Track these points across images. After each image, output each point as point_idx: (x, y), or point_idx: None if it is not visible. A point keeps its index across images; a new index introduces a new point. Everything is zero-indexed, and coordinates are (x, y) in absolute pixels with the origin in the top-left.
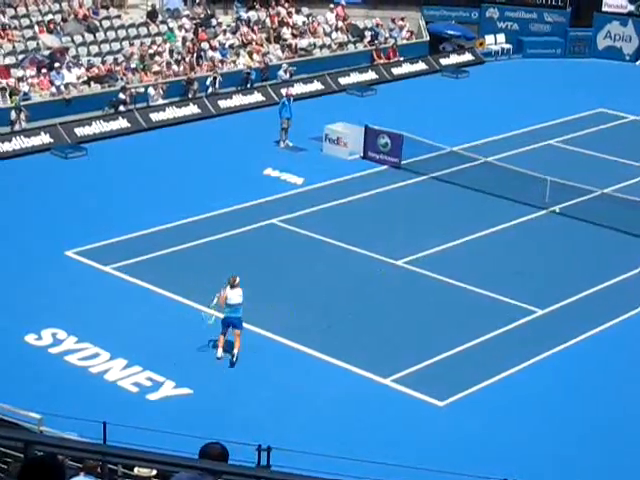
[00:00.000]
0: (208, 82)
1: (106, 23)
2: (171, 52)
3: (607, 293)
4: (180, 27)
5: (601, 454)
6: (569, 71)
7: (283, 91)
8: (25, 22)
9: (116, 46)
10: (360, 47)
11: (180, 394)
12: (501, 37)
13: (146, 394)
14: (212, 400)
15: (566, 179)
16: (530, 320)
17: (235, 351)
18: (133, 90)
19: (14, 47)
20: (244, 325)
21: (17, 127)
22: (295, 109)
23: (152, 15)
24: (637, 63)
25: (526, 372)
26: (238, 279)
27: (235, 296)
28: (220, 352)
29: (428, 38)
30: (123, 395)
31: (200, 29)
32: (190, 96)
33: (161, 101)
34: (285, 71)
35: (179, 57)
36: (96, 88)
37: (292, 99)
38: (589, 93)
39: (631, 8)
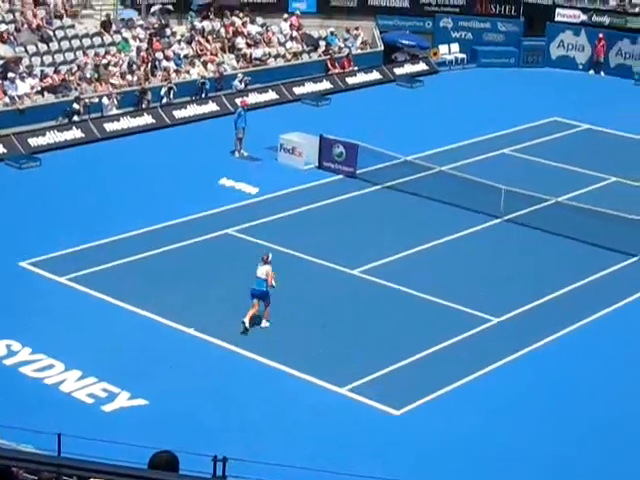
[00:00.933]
0: (162, 92)
1: (60, 33)
2: (129, 65)
3: (562, 301)
4: (134, 37)
5: (557, 456)
6: (523, 80)
7: (238, 101)
8: None
9: (70, 56)
10: (315, 57)
11: (135, 405)
12: (455, 47)
13: (101, 405)
14: (168, 411)
15: (520, 188)
16: (486, 328)
17: (263, 322)
18: (87, 100)
19: None
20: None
21: None
22: (250, 119)
23: (106, 25)
24: (590, 72)
25: (481, 380)
26: (270, 256)
27: (261, 271)
28: (247, 321)
29: (382, 48)
30: (78, 406)
31: (154, 39)
32: (144, 106)
33: (115, 111)
34: (240, 81)
35: (134, 67)
36: (50, 98)
37: (247, 109)
38: (543, 102)
39: (584, 18)
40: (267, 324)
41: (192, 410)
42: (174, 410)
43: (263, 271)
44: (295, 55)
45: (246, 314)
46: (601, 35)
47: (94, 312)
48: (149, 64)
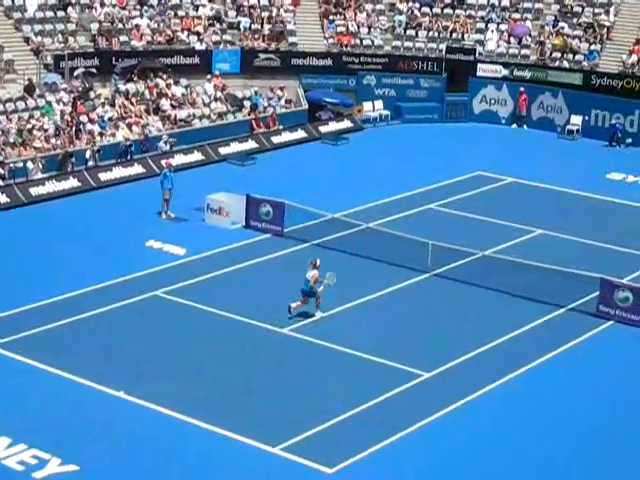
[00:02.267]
0: (87, 155)
1: None
2: (54, 129)
3: (492, 354)
4: (58, 101)
5: None
6: (447, 135)
7: (163, 162)
8: None
9: None
10: (240, 117)
11: (66, 471)
12: (379, 103)
13: (32, 472)
14: (99, 476)
15: (447, 242)
16: (417, 383)
17: (317, 313)
18: (12, 165)
19: None
20: None
21: None
22: (176, 180)
23: (29, 89)
24: (513, 126)
25: (414, 435)
26: (318, 262)
27: (309, 275)
28: (293, 306)
29: (307, 106)
30: (8, 474)
31: (78, 102)
32: (68, 169)
33: (40, 175)
34: (165, 142)
35: (58, 131)
36: None
37: (172, 169)
38: (467, 156)
39: (505, 72)
40: (320, 314)
41: (123, 475)
42: (106, 475)
43: (310, 275)
44: (220, 115)
45: (295, 302)
46: (522, 89)
47: (22, 378)
48: (73, 127)
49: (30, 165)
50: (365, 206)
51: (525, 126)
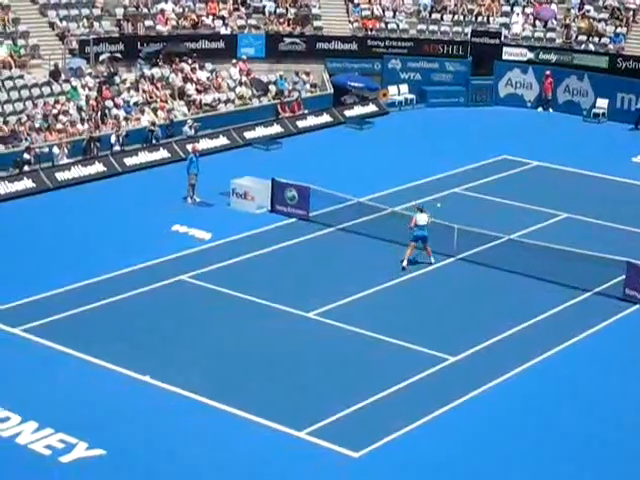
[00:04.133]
0: (113, 140)
1: (9, 83)
2: (78, 109)
3: (518, 338)
4: (83, 86)
5: None
6: (472, 119)
7: (189, 147)
8: None
9: (19, 106)
10: (265, 101)
11: (93, 455)
12: (404, 87)
13: (59, 456)
14: (126, 460)
15: (473, 226)
16: (442, 367)
17: (431, 258)
18: (37, 150)
19: None
20: None
21: None
22: (202, 164)
23: (55, 74)
24: (538, 110)
25: (440, 420)
26: (420, 203)
27: (423, 218)
28: (405, 263)
29: (332, 90)
30: (35, 458)
31: (104, 87)
32: (94, 154)
33: (66, 160)
34: (190, 127)
35: (84, 115)
36: (0, 149)
37: (198, 154)
38: (492, 140)
39: (531, 56)
40: (433, 259)
41: (150, 459)
42: (132, 459)
43: (424, 217)
44: (245, 99)
45: (404, 257)
46: (548, 72)
47: (50, 363)
48: (99, 112)
49: (56, 150)
50: (390, 190)
51: (551, 109)
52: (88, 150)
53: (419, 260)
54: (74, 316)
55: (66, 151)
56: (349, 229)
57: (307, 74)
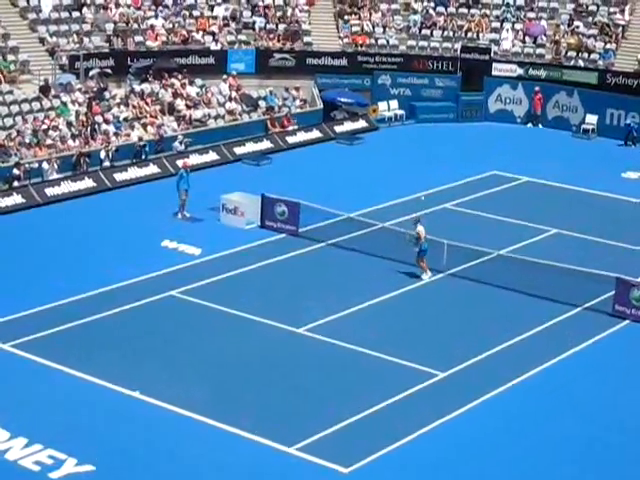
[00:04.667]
0: (103, 155)
1: None
2: (68, 125)
3: (507, 354)
4: (73, 101)
5: None
6: (462, 135)
7: (180, 162)
8: None
9: (9, 121)
10: (255, 116)
11: (83, 471)
12: (394, 103)
13: (48, 472)
14: (115, 476)
15: (462, 242)
16: (432, 383)
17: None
18: (27, 165)
19: None
20: None
21: None
22: (192, 180)
23: (45, 90)
24: (528, 126)
25: (430, 436)
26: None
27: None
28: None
29: (322, 106)
30: (25, 474)
31: (94, 102)
32: (83, 170)
33: (55, 175)
34: (180, 142)
35: (74, 131)
36: None
37: (189, 170)
38: (482, 156)
39: (520, 72)
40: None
41: (139, 475)
42: (121, 475)
43: (421, 231)
44: (231, 113)
45: (424, 271)
46: (537, 88)
47: (39, 379)
48: (88, 128)
49: (45, 166)
50: (380, 206)
51: (540, 125)
52: (78, 166)
53: (418, 273)
54: (64, 331)
55: (56, 167)
56: (339, 244)
57: (297, 89)
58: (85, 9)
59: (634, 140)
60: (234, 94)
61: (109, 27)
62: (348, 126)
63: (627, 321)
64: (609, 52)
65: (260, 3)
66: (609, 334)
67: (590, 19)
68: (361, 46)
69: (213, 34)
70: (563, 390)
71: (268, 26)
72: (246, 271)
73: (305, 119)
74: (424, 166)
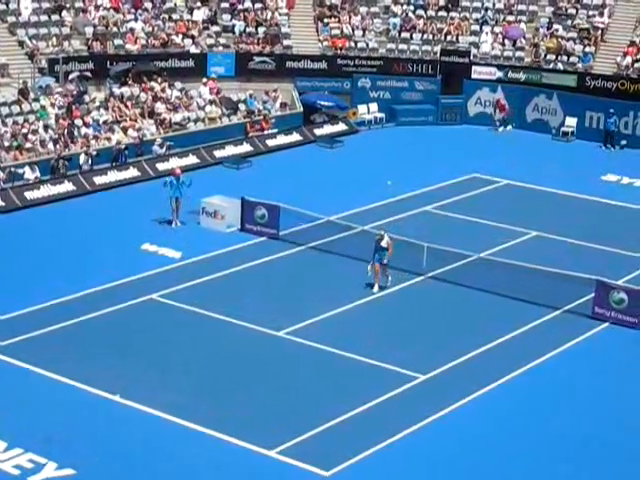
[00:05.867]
0: (82, 159)
1: None
2: (45, 128)
3: (487, 356)
4: (52, 104)
5: None
6: (442, 138)
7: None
8: None
9: None
10: (234, 120)
11: (63, 475)
12: (374, 106)
13: (28, 476)
14: None
15: (442, 245)
16: (413, 386)
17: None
18: (12, 169)
19: None
20: None
21: None
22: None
23: (24, 93)
24: (499, 130)
25: (410, 438)
26: (383, 232)
27: (385, 242)
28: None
29: (302, 109)
30: (4, 478)
31: (73, 106)
32: (62, 173)
33: (35, 178)
34: (160, 145)
35: (53, 134)
36: None
37: (181, 178)
38: (462, 159)
39: (500, 74)
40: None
41: (119, 478)
42: (102, 479)
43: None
44: (213, 119)
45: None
46: (497, 96)
47: (18, 382)
48: (67, 131)
49: (25, 169)
50: (360, 209)
51: (510, 126)
52: (57, 169)
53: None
54: (43, 335)
55: (37, 171)
56: (319, 247)
57: (275, 91)
58: (64, 12)
59: (612, 139)
60: (214, 97)
61: (88, 30)
62: (328, 129)
63: (607, 323)
64: (588, 55)
65: (239, 7)
66: (589, 336)
67: (569, 22)
68: (341, 49)
69: (192, 37)
70: (544, 392)
71: (248, 29)
72: (226, 274)
73: (285, 122)
74: (404, 169)
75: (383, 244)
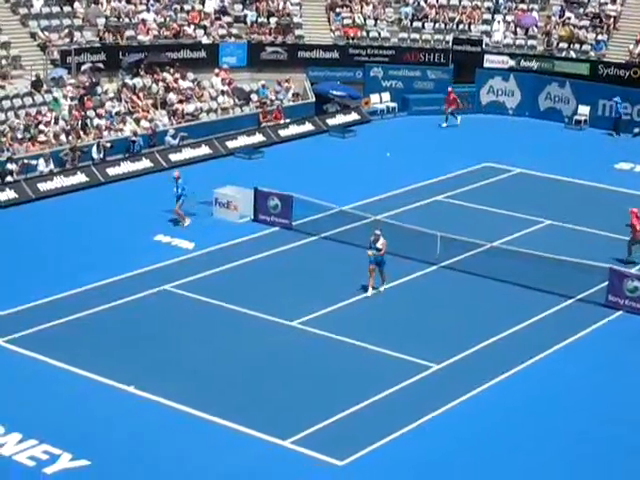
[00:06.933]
0: (95, 150)
1: None
2: (57, 119)
3: (501, 345)
4: (65, 96)
5: None
6: (454, 127)
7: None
8: None
9: (1, 117)
10: (247, 110)
11: (78, 466)
12: (386, 95)
13: (43, 467)
14: (110, 470)
15: (455, 234)
16: (427, 375)
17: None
18: (26, 161)
19: None
20: None
21: None
22: (184, 174)
23: (37, 85)
24: (444, 125)
25: (424, 428)
26: (379, 232)
27: (380, 243)
28: (370, 292)
29: (314, 99)
30: (19, 469)
31: (86, 97)
32: (75, 165)
33: (48, 170)
34: (173, 136)
35: (66, 126)
36: None
37: (179, 180)
38: (474, 148)
39: (512, 63)
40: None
41: (134, 469)
42: (117, 470)
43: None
44: (225, 109)
45: (368, 285)
46: (450, 89)
47: (33, 374)
48: (80, 122)
49: (39, 161)
50: (373, 198)
51: (458, 119)
52: (70, 160)
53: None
54: (58, 327)
55: (52, 164)
56: (332, 237)
57: (288, 81)
58: (76, 3)
59: (618, 125)
60: (226, 88)
61: (100, 22)
62: (340, 119)
63: (620, 312)
64: (601, 43)
65: None
66: (602, 325)
67: (582, 10)
68: (353, 39)
69: (204, 28)
70: (558, 381)
71: (260, 19)
72: (240, 265)
73: (297, 112)
74: (416, 158)
75: (379, 245)
